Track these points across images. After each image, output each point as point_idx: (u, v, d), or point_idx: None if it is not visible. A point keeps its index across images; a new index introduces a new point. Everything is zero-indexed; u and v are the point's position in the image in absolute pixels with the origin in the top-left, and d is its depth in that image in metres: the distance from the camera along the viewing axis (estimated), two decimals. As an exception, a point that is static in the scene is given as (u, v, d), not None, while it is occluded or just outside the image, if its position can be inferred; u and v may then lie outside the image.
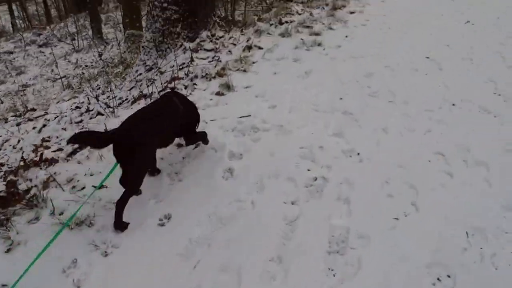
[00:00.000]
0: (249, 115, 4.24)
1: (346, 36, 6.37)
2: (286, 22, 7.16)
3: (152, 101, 4.00)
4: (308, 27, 6.75)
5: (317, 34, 6.40)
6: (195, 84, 4.86)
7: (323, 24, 6.88)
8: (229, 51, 5.84)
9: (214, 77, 5.04)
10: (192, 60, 5.57)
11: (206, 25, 6.33)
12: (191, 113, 3.32)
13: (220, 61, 5.52)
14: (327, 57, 5.61)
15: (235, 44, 6.08)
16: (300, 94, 4.64)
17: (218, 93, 4.67)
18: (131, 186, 2.83)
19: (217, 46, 6.00)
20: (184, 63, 5.69)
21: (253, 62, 5.48)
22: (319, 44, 5.93)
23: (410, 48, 5.91)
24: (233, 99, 4.57)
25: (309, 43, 5.97)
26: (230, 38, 6.26)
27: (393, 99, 4.50)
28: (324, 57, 5.62)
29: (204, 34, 6.23)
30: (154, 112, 2.99)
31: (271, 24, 7.26)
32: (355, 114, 4.22)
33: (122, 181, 2.88)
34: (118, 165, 2.77)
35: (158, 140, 3.01)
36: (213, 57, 5.72)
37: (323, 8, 8.04)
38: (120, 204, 2.78)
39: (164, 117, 2.97)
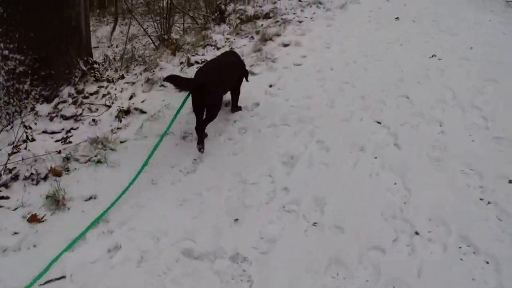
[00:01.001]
0: (63, 277, 2.38)
1: (270, 86, 4.62)
2: (197, 62, 5.36)
3: (217, 55, 4.22)
4: (221, 71, 4.96)
5: (230, 83, 4.62)
6: (3, 197, 2.95)
7: (243, 66, 5.10)
8: (94, 120, 3.97)
9: (46, 178, 3.16)
10: (28, 139, 3.67)
11: (70, 77, 4.44)
12: (243, 69, 3.95)
13: (70, 142, 3.64)
14: (234, 128, 3.82)
15: (109, 106, 4.21)
16: (171, 217, 2.83)
17: (33, 218, 2.78)
18: (210, 115, 3.40)
19: (80, 111, 4.12)
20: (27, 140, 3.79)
21: (122, 142, 3.63)
22: (227, 105, 4.15)
23: (356, 104, 4.21)
24: (55, 230, 2.71)
25: (213, 103, 4.16)
26: (104, 96, 4.39)
27: (320, 218, 2.74)
28: (229, 129, 3.83)
29: (67, 90, 4.34)
30: (223, 64, 3.68)
31: (181, 63, 5.48)
32: (251, 263, 2.43)
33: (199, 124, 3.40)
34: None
35: (224, 85, 3.59)
36: (66, 132, 3.84)
37: (252, 38, 6.29)
38: (200, 128, 3.36)
39: (229, 69, 3.67)
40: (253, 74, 4.89)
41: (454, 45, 5.66)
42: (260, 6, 8.17)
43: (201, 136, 3.33)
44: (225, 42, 6.30)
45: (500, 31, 6.20)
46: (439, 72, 4.85)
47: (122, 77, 4.96)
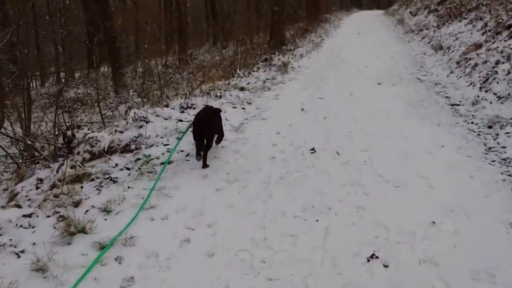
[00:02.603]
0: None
1: None
2: None
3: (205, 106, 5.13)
4: None
5: None
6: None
7: None
8: None
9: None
10: None
11: None
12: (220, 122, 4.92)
13: None
14: None
15: None
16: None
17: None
18: (209, 145, 4.45)
19: None
20: None
21: None
22: None
23: None
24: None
25: None
26: None
27: None
28: None
29: None
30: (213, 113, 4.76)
31: None
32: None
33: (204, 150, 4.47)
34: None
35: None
36: None
37: (61, 219, 3.57)
38: (205, 153, 4.40)
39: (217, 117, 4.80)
40: None
41: (403, 220, 3.28)
42: (121, 132, 5.60)
43: (200, 151, 4.40)
44: (17, 226, 3.52)
45: (465, 173, 4.00)
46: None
47: None
